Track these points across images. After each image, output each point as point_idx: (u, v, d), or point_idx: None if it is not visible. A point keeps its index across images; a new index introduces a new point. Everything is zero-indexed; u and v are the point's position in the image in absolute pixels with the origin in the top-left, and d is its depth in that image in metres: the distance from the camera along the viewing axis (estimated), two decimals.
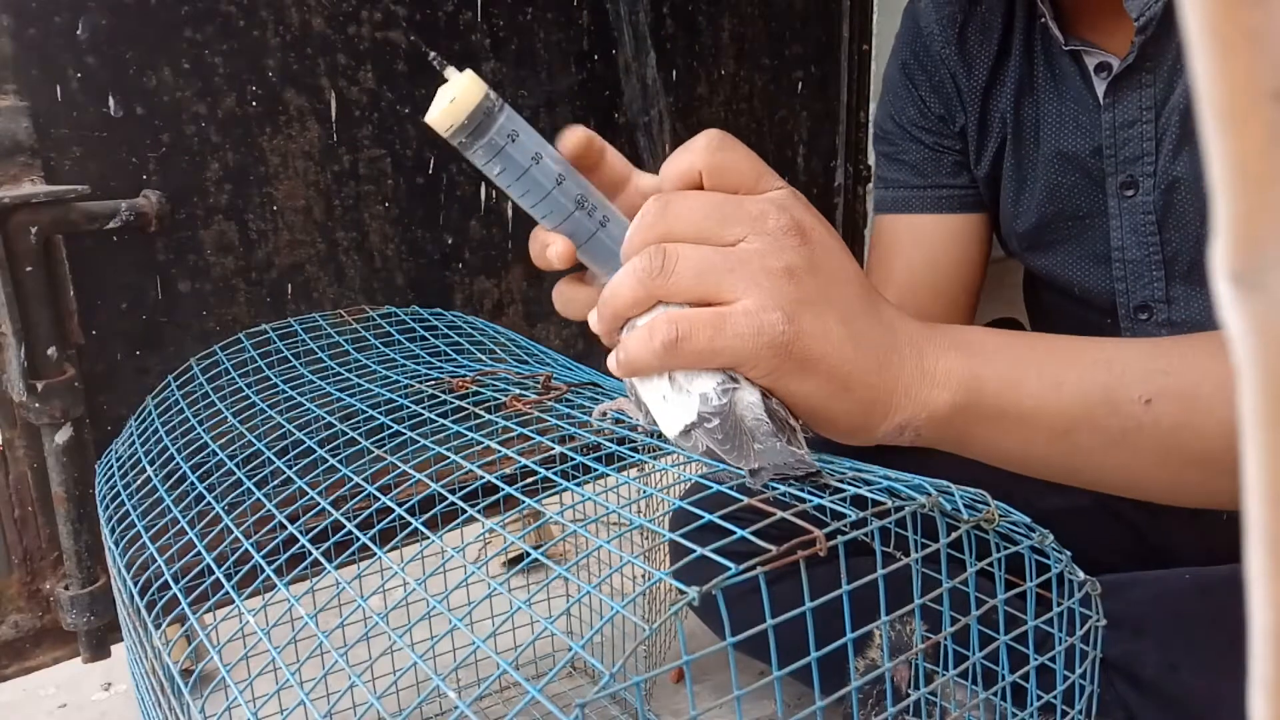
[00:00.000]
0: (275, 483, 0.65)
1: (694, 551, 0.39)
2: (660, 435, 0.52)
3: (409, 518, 0.52)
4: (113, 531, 0.63)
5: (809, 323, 0.46)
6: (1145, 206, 0.74)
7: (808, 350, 0.46)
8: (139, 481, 0.67)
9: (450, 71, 0.47)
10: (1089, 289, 0.80)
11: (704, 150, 0.48)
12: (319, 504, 0.55)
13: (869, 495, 0.44)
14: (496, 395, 0.67)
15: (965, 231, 0.87)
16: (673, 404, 0.48)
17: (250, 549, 0.53)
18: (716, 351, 0.46)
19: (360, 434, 0.64)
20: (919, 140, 0.87)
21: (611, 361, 0.50)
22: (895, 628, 0.50)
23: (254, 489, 0.63)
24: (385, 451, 0.62)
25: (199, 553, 0.56)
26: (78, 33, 0.85)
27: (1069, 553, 0.48)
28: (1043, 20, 0.75)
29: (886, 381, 0.48)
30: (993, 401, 0.50)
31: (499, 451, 0.56)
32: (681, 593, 0.37)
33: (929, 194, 0.87)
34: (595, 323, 0.51)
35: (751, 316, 0.45)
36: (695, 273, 0.46)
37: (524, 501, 0.52)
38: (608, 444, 0.56)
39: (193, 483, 0.63)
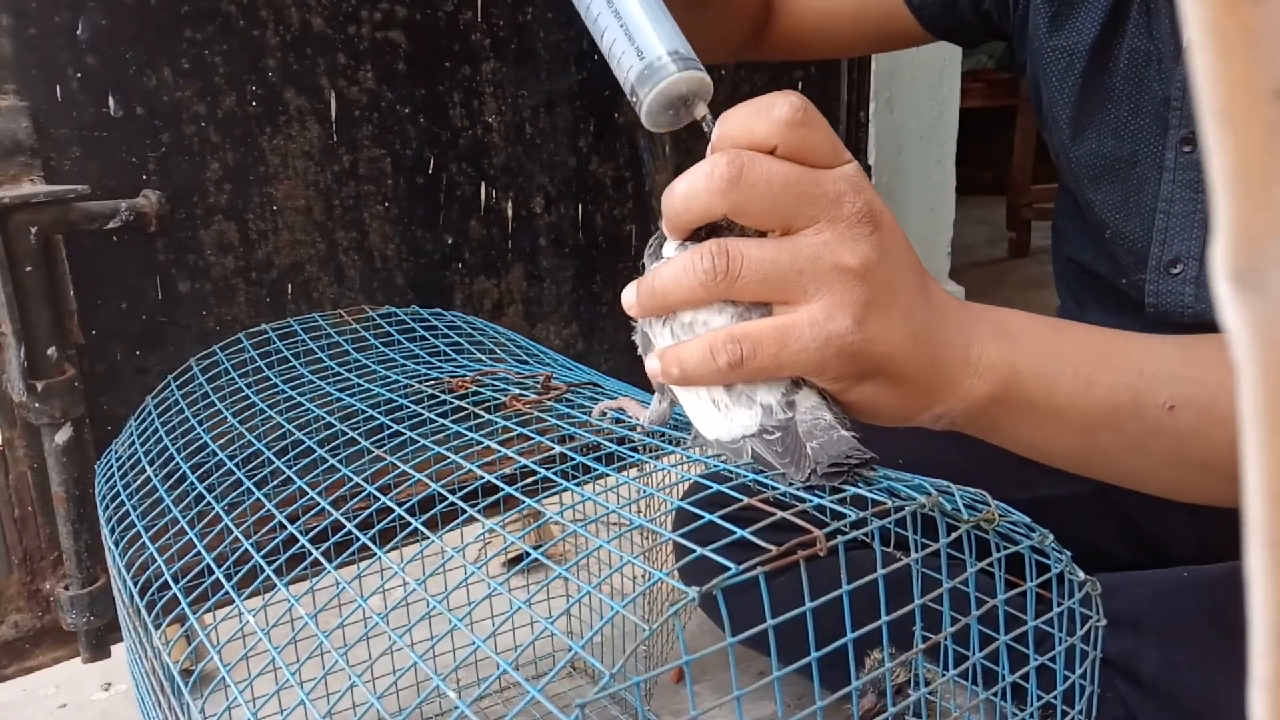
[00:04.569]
0: (275, 483, 0.65)
1: (694, 551, 0.39)
2: (660, 434, 0.51)
3: (409, 518, 0.52)
4: (113, 531, 0.63)
5: (876, 326, 0.44)
6: (1201, 165, 0.72)
7: (875, 355, 0.45)
8: (139, 482, 0.67)
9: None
10: (1122, 233, 0.79)
11: (785, 125, 0.43)
12: (319, 504, 0.55)
13: (869, 495, 0.44)
14: (496, 395, 0.67)
15: (889, 21, 0.88)
16: (728, 414, 0.46)
17: (250, 549, 0.53)
18: (782, 366, 0.44)
19: (360, 434, 0.64)
20: None
21: (653, 366, 0.47)
22: (896, 651, 0.50)
23: (254, 489, 0.62)
24: (385, 451, 0.62)
25: (199, 553, 0.56)
26: (78, 33, 0.85)
27: (1069, 552, 0.48)
28: None
29: (936, 375, 0.48)
30: (1027, 396, 0.50)
31: (499, 451, 0.56)
32: (682, 592, 0.37)
33: None
34: (635, 306, 0.48)
35: (818, 327, 0.43)
36: (761, 277, 0.43)
37: (524, 501, 0.52)
38: (607, 444, 0.56)
39: (192, 483, 0.63)
